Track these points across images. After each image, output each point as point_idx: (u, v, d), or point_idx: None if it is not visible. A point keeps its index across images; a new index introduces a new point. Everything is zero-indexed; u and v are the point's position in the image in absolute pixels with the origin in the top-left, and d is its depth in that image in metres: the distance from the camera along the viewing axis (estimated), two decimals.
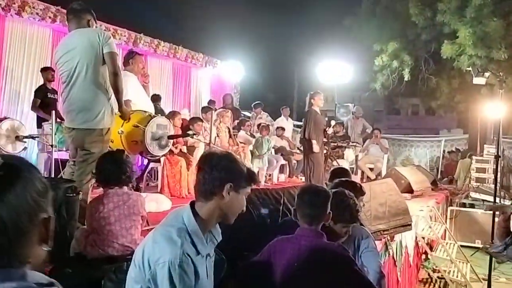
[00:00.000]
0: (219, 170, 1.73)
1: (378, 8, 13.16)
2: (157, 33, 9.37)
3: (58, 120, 4.99)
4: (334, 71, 11.58)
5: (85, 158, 3.36)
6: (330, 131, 6.68)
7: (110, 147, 3.91)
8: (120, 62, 7.90)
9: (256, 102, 10.29)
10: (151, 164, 5.63)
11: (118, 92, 3.40)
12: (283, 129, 9.26)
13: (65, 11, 6.91)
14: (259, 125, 8.67)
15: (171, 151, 5.38)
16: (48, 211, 0.87)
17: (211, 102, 9.18)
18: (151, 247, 1.62)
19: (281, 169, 8.66)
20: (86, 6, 3.47)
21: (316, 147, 6.41)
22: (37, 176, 0.88)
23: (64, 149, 5.13)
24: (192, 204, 1.79)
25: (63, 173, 3.85)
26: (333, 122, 6.77)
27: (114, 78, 3.32)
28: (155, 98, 6.98)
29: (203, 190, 1.75)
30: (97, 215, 2.59)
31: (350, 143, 9.20)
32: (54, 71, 6.38)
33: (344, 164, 8.13)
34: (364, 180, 8.63)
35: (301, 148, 7.10)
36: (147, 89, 4.91)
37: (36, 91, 6.28)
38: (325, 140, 9.15)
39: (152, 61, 9.37)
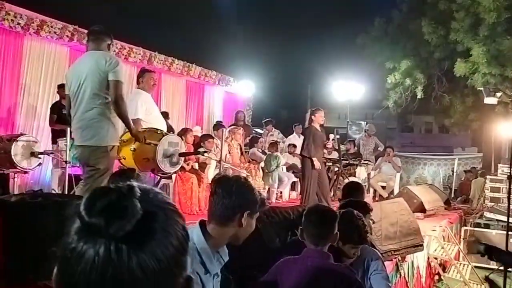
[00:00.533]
0: (237, 198, 1.76)
1: (391, 27, 13.24)
2: (171, 51, 9.54)
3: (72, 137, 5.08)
4: (347, 88, 11.62)
5: (91, 174, 3.43)
6: (329, 145, 6.61)
7: (122, 164, 3.99)
8: (133, 80, 8.08)
9: (267, 119, 10.33)
10: (162, 181, 5.68)
11: (123, 119, 3.46)
12: (294, 146, 9.27)
13: (82, 30, 7.16)
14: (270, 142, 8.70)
15: (182, 168, 5.42)
16: (188, 267, 0.71)
17: (219, 124, 9.12)
18: None
19: (293, 187, 8.65)
20: (104, 30, 3.58)
21: (317, 164, 6.36)
22: (182, 224, 0.70)
23: (78, 165, 5.22)
24: (202, 223, 1.82)
25: (76, 189, 3.92)
26: (332, 136, 6.70)
27: (116, 106, 3.38)
28: (163, 115, 7.10)
29: (219, 215, 1.77)
30: None
31: (362, 161, 9.15)
32: None
33: None
34: (377, 199, 8.57)
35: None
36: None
37: (52, 108, 6.42)
38: (332, 157, 9.15)
39: (166, 79, 9.52)
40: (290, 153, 9.13)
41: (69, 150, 4.74)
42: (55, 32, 6.89)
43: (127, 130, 4.31)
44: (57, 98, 6.55)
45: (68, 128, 4.83)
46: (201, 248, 1.70)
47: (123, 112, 3.41)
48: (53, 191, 5.49)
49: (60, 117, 6.30)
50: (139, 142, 3.77)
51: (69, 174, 4.89)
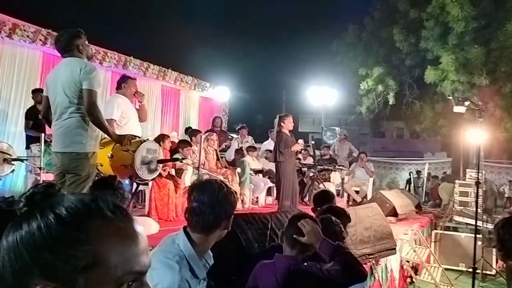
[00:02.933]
0: (223, 206, 1.80)
1: (364, 34, 13.55)
2: (147, 56, 9.50)
3: (47, 141, 5.01)
4: (321, 94, 11.78)
5: (72, 181, 3.40)
6: (297, 147, 6.64)
7: (99, 170, 3.96)
8: (108, 85, 7.99)
9: (241, 125, 10.33)
10: (139, 187, 5.64)
11: (100, 127, 3.43)
12: (271, 151, 9.32)
13: (55, 34, 7.02)
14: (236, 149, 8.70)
15: (159, 174, 5.40)
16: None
17: (195, 129, 8.99)
18: (148, 273, 1.67)
19: (269, 192, 8.71)
20: (72, 33, 3.47)
21: (297, 146, 6.44)
22: None
23: (52, 171, 5.14)
24: (185, 229, 1.85)
25: None
26: (300, 141, 6.74)
27: (89, 115, 3.34)
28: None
29: (205, 224, 1.81)
30: None
31: (337, 166, 9.31)
32: (43, 92, 6.41)
33: (331, 187, 8.21)
34: (350, 203, 8.72)
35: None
36: (143, 109, 5.00)
37: (27, 113, 6.29)
38: (307, 163, 9.27)
39: (141, 84, 9.42)
40: (266, 158, 9.20)
41: (43, 156, 4.68)
42: (28, 36, 6.77)
43: (104, 135, 4.30)
44: (31, 102, 6.43)
45: (42, 134, 4.78)
46: (189, 254, 1.74)
47: (98, 120, 3.38)
48: None
49: (36, 122, 6.20)
50: (122, 145, 3.74)
51: (43, 180, 4.80)
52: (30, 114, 6.22)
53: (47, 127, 6.00)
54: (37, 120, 6.21)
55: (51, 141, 4.13)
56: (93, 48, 7.53)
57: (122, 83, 4.74)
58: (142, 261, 0.70)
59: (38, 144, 5.16)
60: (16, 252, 0.65)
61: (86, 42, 3.56)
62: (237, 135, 10.58)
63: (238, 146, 9.04)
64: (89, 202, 0.69)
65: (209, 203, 1.81)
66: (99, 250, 0.65)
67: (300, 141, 6.77)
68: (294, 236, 2.26)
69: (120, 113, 4.69)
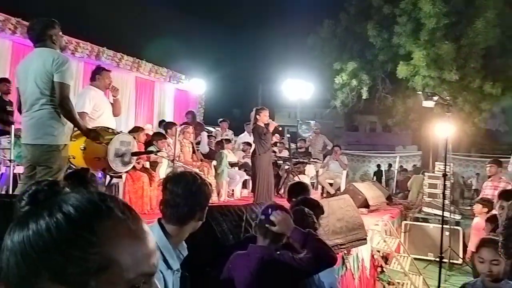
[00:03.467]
0: (198, 197, 1.83)
1: (339, 29, 13.70)
2: (120, 47, 9.34)
3: (16, 135, 4.91)
4: (297, 88, 11.87)
5: (43, 174, 3.35)
6: (272, 126, 6.67)
7: (71, 163, 3.91)
8: (81, 76, 7.85)
9: (222, 119, 10.36)
10: (112, 180, 5.60)
11: (71, 120, 3.40)
12: (249, 144, 9.37)
13: (25, 23, 6.87)
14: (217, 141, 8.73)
15: (133, 167, 5.37)
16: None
17: (170, 123, 8.90)
18: None
19: (244, 184, 8.77)
20: (46, 23, 3.41)
21: (265, 161, 6.51)
22: None
23: (22, 163, 5.04)
24: (160, 220, 1.88)
25: (17, 189, 3.81)
26: (274, 122, 6.78)
27: (61, 108, 3.31)
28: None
29: (180, 217, 1.84)
30: None
31: (311, 159, 9.43)
32: (10, 82, 6.23)
33: (305, 179, 8.32)
34: (324, 195, 8.87)
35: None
36: (117, 103, 4.93)
37: None
38: (282, 156, 9.36)
39: (114, 75, 9.24)
40: (244, 151, 9.23)
41: (13, 148, 4.59)
42: None
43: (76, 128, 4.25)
44: None
45: (13, 126, 4.68)
46: (163, 246, 1.76)
47: (70, 114, 3.34)
48: None
49: (1, 115, 6.04)
50: (91, 139, 3.70)
51: (14, 173, 4.71)
52: None
53: (16, 118, 5.89)
54: (3, 112, 6.07)
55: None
56: (65, 38, 7.42)
57: (96, 75, 4.66)
58: (152, 261, 0.68)
59: (8, 136, 5.04)
60: (24, 253, 0.62)
61: (60, 33, 3.50)
62: (215, 128, 10.60)
63: (219, 139, 9.06)
64: (99, 202, 0.66)
65: (183, 194, 1.83)
66: (111, 252, 0.63)
67: (274, 122, 6.80)
68: (266, 225, 2.31)
69: (93, 106, 4.63)
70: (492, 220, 4.08)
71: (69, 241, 0.62)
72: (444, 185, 5.68)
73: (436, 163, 10.34)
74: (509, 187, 5.89)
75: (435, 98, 5.93)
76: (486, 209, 5.85)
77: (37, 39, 3.41)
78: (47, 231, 0.62)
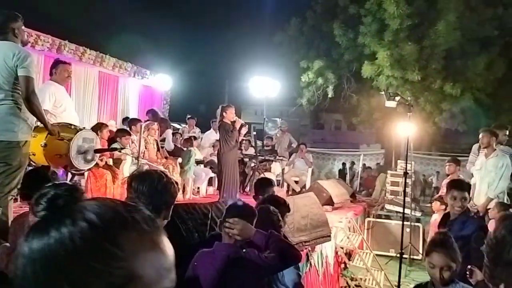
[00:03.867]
0: (163, 196, 1.81)
1: (306, 27, 13.80)
2: (83, 41, 9.08)
3: None
4: (264, 85, 11.89)
5: (3, 171, 3.24)
6: (238, 123, 6.67)
7: (31, 160, 3.79)
8: (41, 70, 7.59)
9: (190, 116, 10.26)
10: (74, 177, 5.45)
11: (36, 115, 3.32)
12: (217, 140, 9.30)
13: None
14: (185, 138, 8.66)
15: (96, 164, 5.25)
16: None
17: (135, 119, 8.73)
18: None
19: (210, 182, 8.73)
20: (8, 15, 3.32)
21: (231, 158, 6.50)
22: None
23: None
24: None
25: None
26: (240, 120, 6.78)
27: (27, 103, 3.23)
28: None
29: None
30: (21, 233, 2.51)
31: (277, 157, 9.50)
32: None
33: (271, 177, 8.36)
34: (290, 193, 8.96)
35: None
36: None
37: None
38: (248, 153, 9.39)
39: (76, 69, 9.02)
40: (214, 147, 9.16)
41: None
42: None
43: (38, 123, 4.11)
44: None
45: None
46: None
47: (36, 108, 3.27)
48: None
49: None
50: (53, 136, 3.60)
51: None
52: None
53: None
54: None
55: None
56: (25, 30, 7.15)
57: (53, 69, 4.53)
58: (172, 276, 0.66)
59: None
60: (43, 262, 0.59)
61: (23, 27, 3.39)
62: (181, 125, 10.51)
63: (186, 136, 8.96)
64: (125, 214, 0.64)
65: (149, 193, 1.81)
66: (135, 266, 0.60)
67: (240, 119, 6.81)
68: (230, 234, 2.32)
69: (53, 102, 4.50)
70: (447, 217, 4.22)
71: (93, 252, 0.59)
72: (405, 183, 5.85)
73: (398, 161, 10.61)
74: None
75: (397, 98, 6.09)
76: (443, 206, 6.06)
77: None
78: (70, 240, 0.59)
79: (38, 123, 4.15)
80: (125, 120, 8.39)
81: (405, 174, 5.69)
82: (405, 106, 6.35)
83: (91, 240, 0.59)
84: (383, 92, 7.01)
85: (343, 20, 12.49)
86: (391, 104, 6.11)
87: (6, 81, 3.18)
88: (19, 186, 3.13)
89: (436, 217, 6.34)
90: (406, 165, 5.71)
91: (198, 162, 8.16)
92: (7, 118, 3.22)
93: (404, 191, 5.86)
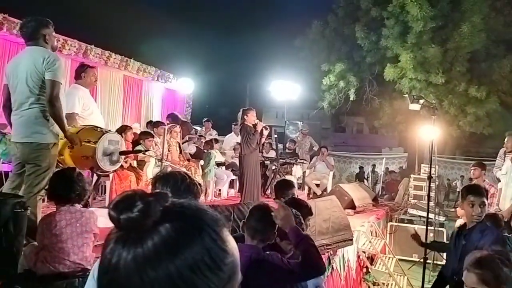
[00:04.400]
0: (186, 195, 1.84)
1: (327, 30, 13.77)
2: (108, 45, 9.28)
3: (2, 132, 4.86)
4: (285, 88, 11.93)
5: (32, 171, 3.34)
6: (259, 126, 6.66)
7: (59, 161, 3.89)
8: (68, 73, 7.80)
9: (206, 118, 10.36)
10: (100, 179, 5.56)
11: (56, 120, 3.36)
12: (238, 143, 9.35)
13: (12, 19, 6.79)
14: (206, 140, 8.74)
15: (121, 166, 5.35)
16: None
17: (158, 122, 8.92)
18: None
19: (231, 184, 8.78)
20: (40, 21, 3.41)
21: (252, 161, 6.51)
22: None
23: (8, 161, 4.99)
24: None
25: (4, 186, 3.77)
26: (261, 122, 6.76)
27: (50, 107, 3.29)
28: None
29: None
30: (48, 232, 2.60)
31: (298, 160, 9.48)
32: None
33: (292, 179, 8.35)
34: (311, 196, 8.92)
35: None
36: None
37: None
38: (270, 156, 9.39)
39: (102, 73, 9.24)
40: (235, 150, 9.20)
41: None
42: None
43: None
44: None
45: None
46: None
47: (57, 113, 3.32)
48: None
49: None
50: (73, 144, 3.62)
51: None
52: None
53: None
54: None
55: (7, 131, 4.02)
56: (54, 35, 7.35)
57: (82, 73, 4.64)
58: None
59: None
60: (156, 275, 0.58)
61: (53, 33, 3.49)
62: (201, 127, 10.61)
63: (204, 138, 9.03)
64: (213, 211, 0.66)
65: (172, 194, 1.84)
66: (236, 260, 0.63)
67: (261, 122, 6.82)
68: (272, 213, 2.31)
69: (82, 105, 4.62)
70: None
71: (210, 252, 0.60)
72: (430, 187, 5.75)
73: (421, 165, 10.46)
74: (492, 190, 6.00)
75: (421, 101, 6.00)
76: None
77: (30, 38, 3.40)
78: (207, 251, 0.60)
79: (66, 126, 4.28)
80: (149, 123, 8.52)
81: (429, 178, 5.59)
82: (429, 109, 6.25)
83: (209, 240, 0.61)
84: (406, 95, 6.92)
85: (365, 23, 12.42)
86: (414, 107, 6.03)
87: (36, 85, 3.27)
88: (47, 187, 3.22)
89: (460, 222, 6.22)
90: (430, 169, 5.61)
91: (218, 164, 8.20)
92: (37, 121, 3.31)
93: (428, 195, 5.77)
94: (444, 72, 11.16)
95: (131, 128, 6.56)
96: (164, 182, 1.93)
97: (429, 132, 6.64)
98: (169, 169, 5.68)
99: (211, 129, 10.34)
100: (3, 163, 4.79)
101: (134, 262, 0.59)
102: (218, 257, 0.61)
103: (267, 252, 2.33)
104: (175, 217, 0.63)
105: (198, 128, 10.77)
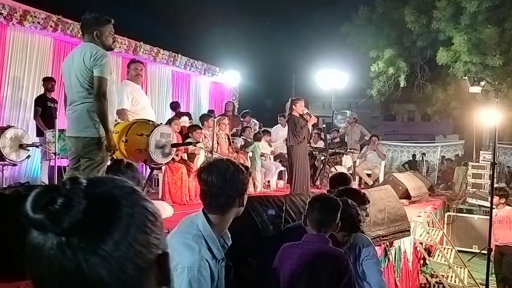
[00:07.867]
0: (234, 184, 1.80)
1: (375, 15, 13.32)
2: (157, 41, 9.46)
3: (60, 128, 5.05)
4: (331, 77, 11.68)
5: (87, 165, 3.42)
6: (313, 120, 6.55)
7: (114, 155, 3.98)
8: (119, 71, 7.99)
9: (244, 111, 10.29)
10: (153, 171, 5.69)
11: (101, 116, 3.34)
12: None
13: (66, 20, 7.06)
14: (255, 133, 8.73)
15: (172, 159, 5.44)
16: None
17: (210, 111, 9.18)
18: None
19: (280, 176, 8.74)
20: (96, 18, 3.43)
21: (301, 152, 6.42)
22: (142, 204, 0.66)
23: (67, 156, 5.19)
24: (203, 210, 1.87)
25: None
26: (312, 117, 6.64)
27: (96, 103, 3.30)
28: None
29: (219, 206, 1.81)
30: None
31: (348, 150, 9.28)
32: (54, 81, 6.48)
33: (342, 170, 8.19)
34: (362, 186, 8.72)
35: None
36: None
37: (36, 100, 6.36)
38: (318, 146, 9.24)
39: (151, 69, 9.46)
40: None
41: (57, 141, 4.72)
42: (38, 22, 6.77)
43: (119, 121, 4.32)
44: (42, 90, 6.49)
45: (56, 121, 4.81)
46: (207, 235, 1.75)
47: (102, 110, 3.31)
48: (43, 184, 5.45)
49: (44, 111, 6.26)
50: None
51: (58, 166, 4.86)
52: (39, 102, 6.29)
53: (59, 113, 6.09)
54: (45, 107, 6.28)
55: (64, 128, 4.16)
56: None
57: (128, 68, 4.77)
58: None
59: (52, 130, 5.21)
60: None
61: (112, 32, 3.50)
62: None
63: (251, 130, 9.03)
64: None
65: (218, 184, 1.80)
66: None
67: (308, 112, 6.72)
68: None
69: (131, 101, 4.72)
70: None
71: (147, 208, 0.66)
72: (493, 174, 5.36)
73: (480, 152, 9.93)
74: None
75: (482, 83, 5.61)
76: (503, 200, 5.59)
77: (84, 33, 3.48)
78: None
79: (118, 119, 4.38)
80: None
81: (493, 165, 5.20)
82: (487, 92, 5.87)
83: (139, 199, 0.66)
84: (466, 77, 6.53)
85: (414, 6, 11.89)
86: (475, 89, 5.65)
87: (86, 80, 3.33)
88: None
89: (498, 213, 5.81)
90: (494, 156, 5.24)
91: (262, 155, 8.15)
92: (90, 115, 3.37)
93: (492, 183, 5.41)
94: (502, 54, 10.51)
95: (177, 119, 6.67)
96: (208, 172, 1.88)
97: (491, 117, 6.24)
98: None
99: (255, 121, 10.26)
100: (62, 158, 4.98)
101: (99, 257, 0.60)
102: (153, 209, 0.67)
103: (344, 251, 2.28)
104: (103, 198, 0.63)
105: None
